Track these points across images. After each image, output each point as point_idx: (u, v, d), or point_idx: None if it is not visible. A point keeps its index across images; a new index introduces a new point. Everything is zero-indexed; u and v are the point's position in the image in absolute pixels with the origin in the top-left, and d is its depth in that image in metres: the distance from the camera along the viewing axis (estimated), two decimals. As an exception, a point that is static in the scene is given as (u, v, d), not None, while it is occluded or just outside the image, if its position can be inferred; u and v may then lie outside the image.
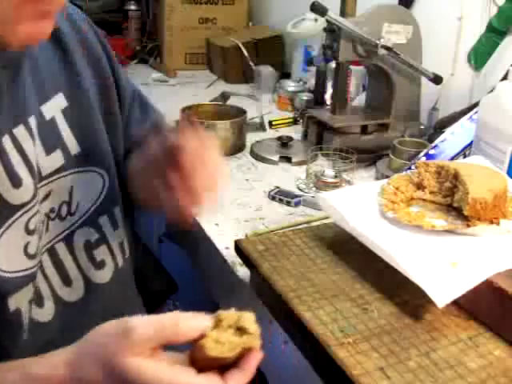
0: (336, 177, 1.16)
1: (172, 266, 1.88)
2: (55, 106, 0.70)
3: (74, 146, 0.72)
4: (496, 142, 0.97)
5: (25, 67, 0.65)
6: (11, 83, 0.63)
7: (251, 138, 1.41)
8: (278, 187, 1.14)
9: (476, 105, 1.10)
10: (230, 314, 0.53)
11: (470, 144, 1.07)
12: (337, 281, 0.74)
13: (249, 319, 0.53)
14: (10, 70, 0.63)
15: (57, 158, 0.70)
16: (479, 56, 1.33)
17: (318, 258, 0.79)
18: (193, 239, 1.10)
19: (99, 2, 2.43)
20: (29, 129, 0.65)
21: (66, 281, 0.73)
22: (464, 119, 1.13)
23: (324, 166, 1.20)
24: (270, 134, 1.49)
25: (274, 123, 1.56)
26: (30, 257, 0.66)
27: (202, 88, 1.97)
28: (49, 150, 0.69)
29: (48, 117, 0.69)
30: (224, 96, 1.73)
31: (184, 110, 1.41)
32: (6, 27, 0.54)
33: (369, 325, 0.66)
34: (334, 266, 0.77)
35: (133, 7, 2.30)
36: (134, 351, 0.50)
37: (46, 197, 0.69)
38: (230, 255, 0.90)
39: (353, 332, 0.65)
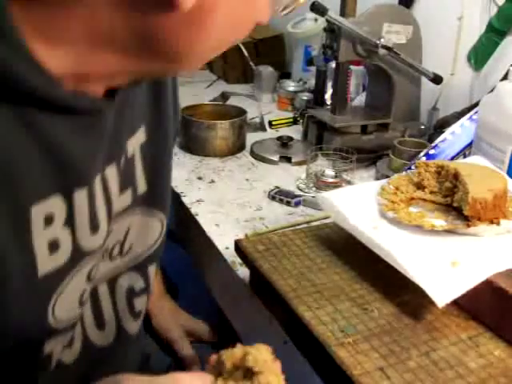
0: (336, 177, 1.16)
1: (172, 266, 1.88)
2: (136, 142, 0.63)
3: (142, 185, 0.65)
4: (496, 142, 0.97)
5: (127, 101, 0.57)
6: (115, 118, 0.55)
7: (251, 138, 1.41)
8: (277, 187, 1.14)
9: (476, 105, 1.10)
10: (232, 353, 0.47)
11: (470, 144, 1.07)
12: (337, 281, 0.74)
13: (255, 355, 0.46)
14: (117, 104, 0.54)
15: (127, 198, 0.63)
16: (479, 56, 1.33)
17: (318, 257, 0.79)
18: (193, 239, 1.10)
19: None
20: (119, 168, 0.58)
21: (100, 324, 0.67)
22: (464, 119, 1.13)
23: (324, 166, 1.20)
24: (270, 134, 1.49)
25: (273, 123, 1.56)
26: (82, 303, 0.59)
27: (201, 88, 1.97)
28: (123, 190, 0.61)
29: (130, 153, 0.61)
30: (224, 96, 1.73)
31: (184, 109, 1.41)
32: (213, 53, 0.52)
33: (369, 325, 0.66)
34: (334, 266, 0.77)
35: (133, 7, 2.30)
36: None
37: (106, 237, 0.62)
38: (230, 255, 0.90)
39: (353, 332, 0.65)
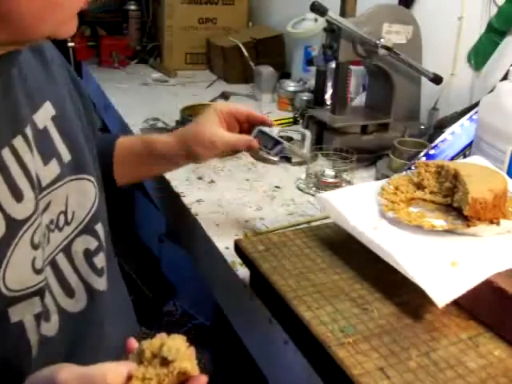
0: (336, 177, 1.16)
1: (172, 266, 1.89)
2: (46, 115, 0.70)
3: (65, 154, 0.72)
4: (496, 142, 0.97)
5: (14, 77, 0.64)
6: (4, 94, 0.62)
7: (251, 138, 1.41)
8: (260, 129, 0.94)
9: (476, 105, 1.10)
10: (151, 343, 0.53)
11: (470, 144, 1.07)
12: (337, 281, 0.74)
13: (170, 344, 0.52)
14: (2, 81, 0.62)
15: (53, 168, 0.70)
16: (479, 56, 1.33)
17: (318, 257, 0.79)
18: (193, 239, 1.10)
19: (99, 2, 2.43)
20: (27, 140, 0.64)
21: (69, 292, 0.73)
22: (464, 119, 1.13)
23: (324, 166, 1.20)
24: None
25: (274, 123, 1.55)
26: (38, 272, 0.64)
27: (202, 88, 1.97)
28: (46, 160, 0.68)
29: (41, 126, 0.69)
30: (224, 96, 1.74)
31: (184, 109, 1.41)
32: (69, 22, 0.60)
33: (369, 325, 0.66)
34: (334, 266, 0.77)
35: (133, 7, 2.30)
36: None
37: (46, 208, 0.68)
38: (230, 255, 0.90)
39: (353, 332, 0.65)
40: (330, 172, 1.17)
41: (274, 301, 0.74)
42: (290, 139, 1.34)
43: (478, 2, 1.31)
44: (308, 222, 1.00)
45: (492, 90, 1.03)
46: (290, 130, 0.99)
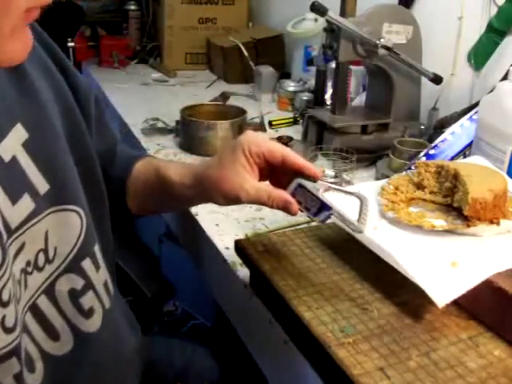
0: (336, 177, 1.16)
1: (172, 266, 1.89)
2: (14, 142, 0.59)
3: (42, 184, 0.62)
4: (496, 142, 0.97)
5: None
6: None
7: (251, 138, 1.41)
8: (300, 184, 0.79)
9: (476, 105, 1.10)
10: None
11: (470, 144, 1.07)
12: (337, 281, 0.74)
13: None
14: None
15: (25, 205, 0.60)
16: (479, 56, 1.33)
17: (318, 257, 0.79)
18: (193, 239, 1.09)
19: (99, 2, 2.43)
20: None
21: (53, 335, 0.66)
22: (464, 119, 1.13)
23: (324, 166, 1.20)
24: (270, 134, 1.49)
25: (273, 123, 1.56)
26: (8, 331, 0.56)
27: (202, 88, 1.97)
28: (14, 198, 0.58)
29: (7, 158, 0.58)
30: (224, 96, 1.73)
31: (184, 110, 1.41)
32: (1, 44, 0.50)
33: (369, 325, 0.66)
34: (334, 266, 0.77)
35: (133, 7, 2.30)
36: None
37: (19, 251, 0.60)
38: (230, 255, 0.90)
39: (353, 332, 0.65)
40: (329, 172, 1.17)
41: (274, 301, 0.74)
42: (290, 139, 1.34)
43: (478, 2, 1.31)
44: (308, 222, 1.00)
45: (492, 90, 1.03)
46: (342, 189, 0.75)
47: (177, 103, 1.52)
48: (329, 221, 0.70)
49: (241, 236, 0.96)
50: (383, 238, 0.72)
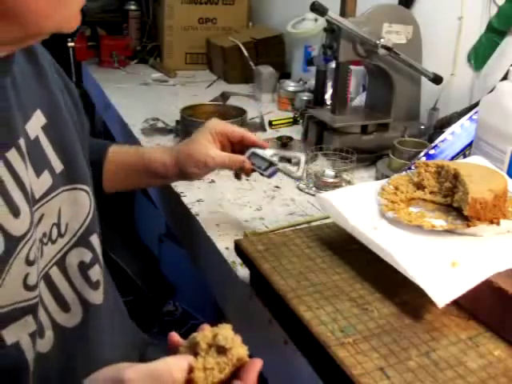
0: (336, 177, 1.16)
1: (172, 266, 1.89)
2: (36, 124, 0.68)
3: (57, 164, 0.70)
4: (496, 142, 0.97)
5: (7, 87, 0.62)
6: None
7: (251, 138, 1.41)
8: (253, 152, 0.96)
9: (476, 105, 1.10)
10: (204, 335, 0.55)
11: (470, 144, 1.07)
12: (337, 281, 0.74)
13: (223, 334, 0.54)
14: None
15: (46, 179, 0.67)
16: (479, 56, 1.33)
17: (318, 257, 0.79)
18: (193, 239, 1.10)
19: (99, 2, 2.43)
20: (20, 152, 0.62)
21: (64, 307, 0.71)
22: (464, 119, 1.13)
23: (324, 166, 1.20)
24: (270, 133, 1.49)
25: (273, 123, 1.56)
26: (29, 288, 0.62)
27: (202, 88, 1.97)
28: (38, 172, 0.66)
29: (32, 136, 0.66)
30: (224, 96, 1.73)
31: (184, 110, 1.41)
32: (73, 18, 0.60)
33: (369, 325, 0.66)
34: (334, 266, 0.77)
35: (133, 7, 2.30)
36: None
37: (39, 221, 0.66)
38: (230, 255, 0.90)
39: (353, 332, 0.65)
40: (329, 172, 1.17)
41: (273, 301, 0.74)
42: (290, 139, 1.34)
43: (478, 2, 1.31)
44: (308, 222, 1.00)
45: (492, 90, 1.03)
46: (284, 152, 1.00)
47: (177, 103, 1.52)
48: (329, 220, 0.71)
49: (241, 236, 0.96)
50: (383, 238, 0.72)
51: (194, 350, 0.54)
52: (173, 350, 0.59)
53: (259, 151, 0.94)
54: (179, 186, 1.16)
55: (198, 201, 1.11)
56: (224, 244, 0.95)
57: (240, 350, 0.54)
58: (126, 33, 2.31)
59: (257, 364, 0.56)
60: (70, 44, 2.09)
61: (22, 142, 0.62)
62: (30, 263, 0.61)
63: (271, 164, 0.94)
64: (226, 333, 0.54)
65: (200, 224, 1.02)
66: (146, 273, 1.84)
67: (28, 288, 0.61)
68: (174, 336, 0.60)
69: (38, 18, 0.57)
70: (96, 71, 2.12)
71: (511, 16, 1.25)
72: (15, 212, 0.59)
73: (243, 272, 0.86)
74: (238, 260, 0.85)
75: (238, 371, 0.55)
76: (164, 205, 1.33)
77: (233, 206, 1.10)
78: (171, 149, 0.98)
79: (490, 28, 1.29)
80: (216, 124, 0.95)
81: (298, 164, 1.02)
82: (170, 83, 2.02)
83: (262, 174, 0.94)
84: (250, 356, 0.56)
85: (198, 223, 1.03)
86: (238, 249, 0.82)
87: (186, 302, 1.89)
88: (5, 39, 0.58)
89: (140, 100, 1.80)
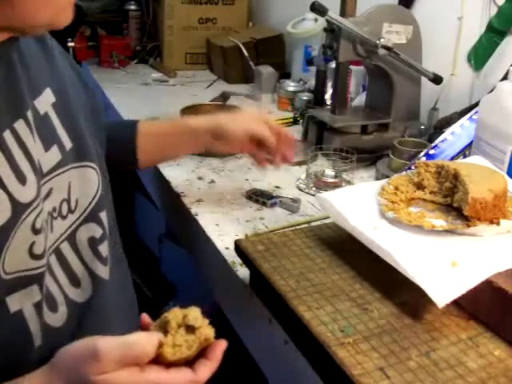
0: (336, 177, 1.16)
1: (172, 266, 1.89)
2: (46, 101, 0.70)
3: (67, 142, 0.72)
4: (496, 142, 0.97)
5: (15, 62, 0.64)
6: (5, 77, 0.62)
7: (251, 138, 1.41)
8: (255, 188, 1.14)
9: (476, 105, 1.10)
10: (175, 314, 0.59)
11: (470, 144, 1.07)
12: (337, 281, 0.74)
13: (193, 315, 0.58)
14: (3, 65, 0.62)
15: (54, 154, 0.69)
16: (479, 56, 1.33)
17: (318, 257, 0.79)
18: (193, 239, 1.10)
19: (99, 2, 2.42)
20: (28, 123, 0.64)
21: (75, 281, 0.72)
22: (464, 119, 1.13)
23: (324, 166, 1.20)
24: (270, 133, 1.49)
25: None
26: (35, 257, 0.63)
27: (202, 88, 1.97)
28: (47, 146, 0.68)
29: (42, 111, 0.68)
30: (224, 96, 1.73)
31: (184, 110, 1.41)
32: (67, 9, 0.61)
33: (369, 325, 0.66)
34: (334, 266, 0.77)
35: (133, 7, 2.30)
36: (105, 372, 0.55)
37: (48, 195, 0.67)
38: (230, 255, 0.90)
39: (353, 332, 0.65)
40: (329, 172, 1.17)
41: (273, 301, 0.74)
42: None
43: (478, 2, 1.31)
44: (308, 222, 1.00)
45: (492, 90, 1.03)
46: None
47: (177, 103, 1.52)
48: (329, 220, 0.71)
49: (241, 236, 0.96)
50: (383, 237, 0.72)
51: (164, 329, 0.58)
52: (144, 330, 0.63)
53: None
54: (179, 186, 1.16)
55: (197, 201, 1.11)
56: (224, 244, 0.95)
57: (208, 330, 0.57)
58: (126, 33, 2.30)
59: (222, 344, 0.59)
60: (70, 44, 2.08)
61: (29, 114, 0.64)
62: (36, 232, 0.63)
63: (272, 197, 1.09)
64: (195, 314, 0.58)
65: (200, 224, 1.02)
66: (146, 273, 1.84)
67: (34, 257, 0.63)
68: (146, 317, 0.66)
69: (32, 8, 0.58)
70: (96, 71, 2.12)
71: (511, 16, 1.25)
72: (22, 180, 0.61)
73: (243, 272, 0.86)
74: (238, 260, 0.85)
75: (204, 351, 0.59)
76: (164, 205, 1.33)
77: (233, 206, 1.10)
78: (209, 118, 1.02)
79: (490, 28, 1.29)
80: (259, 124, 0.99)
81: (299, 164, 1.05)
82: (170, 83, 2.02)
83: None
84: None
85: (197, 223, 1.03)
86: (238, 249, 0.82)
87: (186, 302, 1.88)
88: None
89: (140, 100, 1.80)
